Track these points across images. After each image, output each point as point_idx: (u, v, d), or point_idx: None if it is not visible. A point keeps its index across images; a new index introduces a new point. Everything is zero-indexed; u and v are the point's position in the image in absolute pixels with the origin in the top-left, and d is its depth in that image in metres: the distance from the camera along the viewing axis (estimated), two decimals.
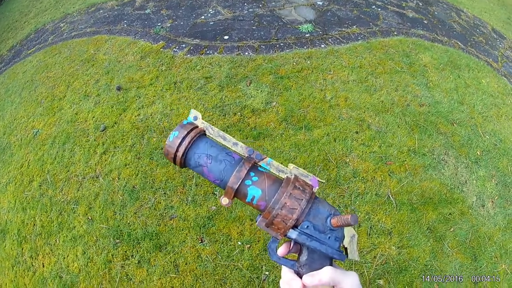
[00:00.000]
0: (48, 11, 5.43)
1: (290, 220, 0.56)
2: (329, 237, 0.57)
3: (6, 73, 4.22)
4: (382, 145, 2.71)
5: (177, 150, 0.60)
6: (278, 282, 2.04)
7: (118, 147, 2.72)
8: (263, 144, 2.65)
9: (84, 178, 2.59)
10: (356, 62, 3.38)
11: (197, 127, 0.63)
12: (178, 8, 4.32)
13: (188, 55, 3.42)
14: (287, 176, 0.61)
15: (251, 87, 3.07)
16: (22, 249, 2.36)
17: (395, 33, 3.91)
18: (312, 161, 2.57)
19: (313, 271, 0.56)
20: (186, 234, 2.23)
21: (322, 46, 3.54)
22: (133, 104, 3.02)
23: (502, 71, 3.93)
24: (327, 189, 2.43)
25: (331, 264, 0.57)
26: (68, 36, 4.28)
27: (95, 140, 2.81)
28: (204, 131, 0.64)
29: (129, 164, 2.60)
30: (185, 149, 0.60)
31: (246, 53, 3.41)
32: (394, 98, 3.09)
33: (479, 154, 2.83)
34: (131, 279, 2.09)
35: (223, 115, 2.84)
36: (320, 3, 4.36)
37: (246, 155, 0.62)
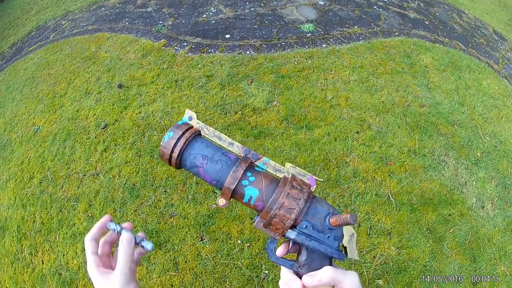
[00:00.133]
0: (49, 8, 5.43)
1: (289, 220, 0.55)
2: (328, 237, 0.56)
3: (7, 70, 4.22)
4: (383, 145, 2.71)
5: (172, 151, 0.59)
6: (277, 281, 2.05)
7: (118, 144, 2.73)
8: (264, 143, 2.65)
9: (85, 175, 2.59)
10: (357, 62, 3.38)
11: (192, 127, 0.63)
12: (179, 6, 4.32)
13: (190, 54, 3.42)
14: (284, 176, 0.60)
15: (252, 86, 3.07)
16: (22, 246, 2.36)
17: (397, 33, 3.91)
18: (313, 160, 2.57)
19: (312, 271, 0.55)
20: (186, 232, 2.23)
21: (323, 45, 3.54)
22: (134, 102, 3.02)
23: (503, 73, 3.93)
24: (327, 189, 2.44)
25: (330, 264, 0.56)
26: (69, 34, 4.28)
27: (96, 137, 2.81)
28: (200, 131, 0.63)
29: (129, 162, 2.61)
30: (180, 150, 0.59)
31: (248, 52, 3.41)
32: (395, 98, 3.09)
33: (479, 155, 2.83)
34: None
35: (224, 114, 2.84)
36: (322, 2, 4.36)
37: (242, 155, 0.62)
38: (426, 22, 4.33)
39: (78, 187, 2.53)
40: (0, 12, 6.28)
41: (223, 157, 0.60)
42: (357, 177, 2.51)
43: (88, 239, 0.64)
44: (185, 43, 3.57)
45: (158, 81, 3.17)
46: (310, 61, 3.33)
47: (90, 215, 2.38)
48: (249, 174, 0.59)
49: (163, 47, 3.54)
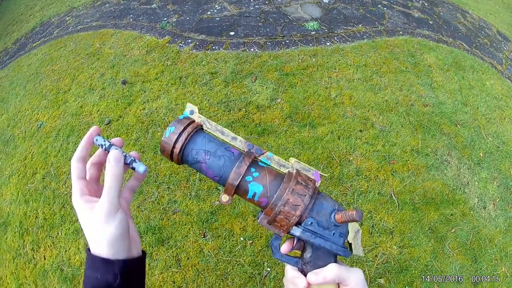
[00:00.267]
0: (53, 4, 5.44)
1: (293, 217, 0.54)
2: (333, 233, 0.55)
3: (11, 65, 4.23)
4: (386, 144, 2.71)
5: (173, 147, 0.57)
6: (280, 278, 2.05)
7: None
8: (268, 140, 2.66)
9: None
10: (361, 60, 3.38)
11: (194, 121, 0.60)
12: (184, 3, 4.32)
13: (194, 51, 3.42)
14: (288, 171, 0.59)
15: (256, 84, 3.07)
16: (24, 242, 2.37)
17: (401, 32, 3.90)
18: (316, 158, 2.57)
19: (317, 268, 0.55)
20: (189, 229, 2.24)
21: (328, 44, 3.54)
22: (138, 98, 3.03)
23: (506, 73, 3.92)
24: (330, 187, 2.44)
25: (335, 261, 0.56)
26: (73, 30, 4.28)
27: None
28: (202, 125, 0.61)
29: None
30: (182, 145, 0.57)
31: (252, 50, 3.41)
32: (399, 97, 3.09)
33: (481, 155, 2.83)
34: None
35: (228, 111, 2.84)
36: (326, 1, 4.35)
37: (245, 150, 0.59)
38: (430, 22, 4.32)
39: None
40: (4, 8, 6.29)
41: (226, 152, 0.58)
42: (360, 176, 2.51)
43: (74, 161, 0.56)
44: (190, 40, 3.57)
45: (162, 77, 3.18)
46: (314, 59, 3.33)
47: None
48: (253, 169, 0.57)
49: (167, 44, 3.54)
